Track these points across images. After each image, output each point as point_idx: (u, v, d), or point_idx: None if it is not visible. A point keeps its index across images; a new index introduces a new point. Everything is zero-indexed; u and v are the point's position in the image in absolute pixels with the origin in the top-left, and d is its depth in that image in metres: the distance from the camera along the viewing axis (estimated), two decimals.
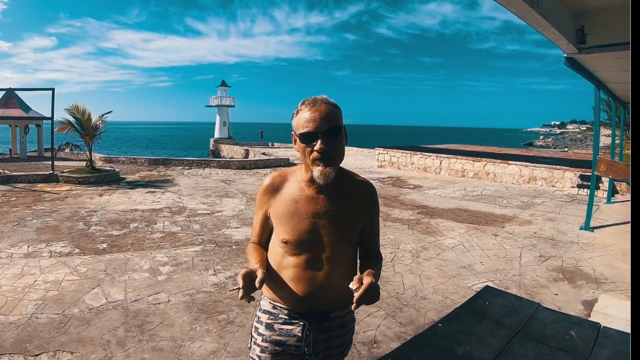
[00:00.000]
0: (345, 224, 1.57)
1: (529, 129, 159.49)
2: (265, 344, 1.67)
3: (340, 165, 1.57)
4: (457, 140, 40.47)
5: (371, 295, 1.34)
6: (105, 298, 4.12)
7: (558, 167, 11.77)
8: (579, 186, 10.80)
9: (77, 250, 5.60)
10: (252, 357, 1.73)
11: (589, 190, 10.28)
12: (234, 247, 5.86)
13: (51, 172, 12.35)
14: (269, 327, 1.68)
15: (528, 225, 7.35)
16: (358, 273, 1.58)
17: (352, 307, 1.33)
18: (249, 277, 1.45)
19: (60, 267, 4.96)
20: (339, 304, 1.66)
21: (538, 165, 12.12)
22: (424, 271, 5.05)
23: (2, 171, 12.23)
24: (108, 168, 13.39)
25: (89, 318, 3.71)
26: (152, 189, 10.78)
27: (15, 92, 21.18)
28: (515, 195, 10.28)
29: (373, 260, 1.67)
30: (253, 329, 1.75)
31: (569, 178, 11.39)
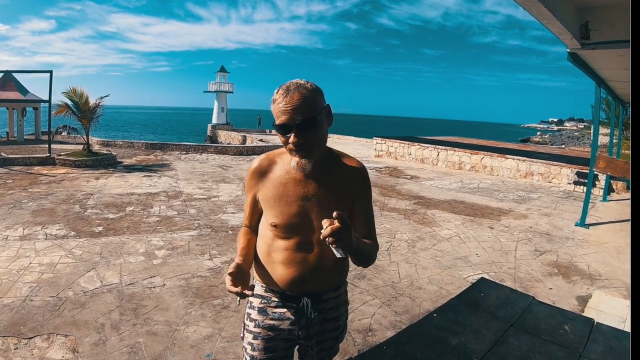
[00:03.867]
0: (334, 206, 1.42)
1: (526, 125, 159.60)
2: (257, 330, 1.65)
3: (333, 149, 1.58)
4: (454, 132, 40.50)
5: (343, 232, 1.25)
6: (100, 281, 4.11)
7: (555, 163, 11.77)
8: (576, 183, 10.81)
9: (72, 233, 5.58)
10: (244, 347, 1.70)
11: (585, 188, 10.33)
12: (229, 232, 5.85)
13: (48, 155, 12.29)
14: (261, 311, 1.65)
15: (524, 220, 7.36)
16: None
17: (321, 236, 1.26)
18: (237, 273, 1.43)
19: (55, 250, 4.94)
20: (331, 286, 1.65)
21: (535, 160, 12.11)
22: (419, 261, 5.06)
23: None
24: (105, 152, 13.32)
25: (83, 301, 3.70)
26: (149, 173, 10.74)
27: (13, 74, 21.01)
28: (511, 190, 10.29)
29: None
30: (245, 316, 1.72)
31: (565, 174, 11.40)
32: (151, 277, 4.22)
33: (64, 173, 10.49)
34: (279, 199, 1.54)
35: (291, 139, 1.41)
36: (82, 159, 11.70)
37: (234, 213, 6.91)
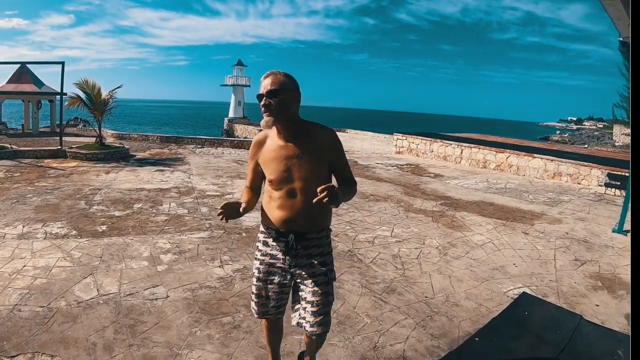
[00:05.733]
0: (310, 162, 2.06)
1: (545, 123, 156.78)
2: (262, 257, 2.26)
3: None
4: (473, 129, 39.20)
5: (331, 194, 1.79)
6: (97, 290, 3.67)
7: (585, 163, 11.02)
8: (607, 185, 10.10)
9: (74, 232, 5.17)
10: (253, 271, 2.31)
11: (617, 190, 9.64)
12: (243, 234, 5.36)
13: (59, 147, 11.99)
14: (264, 243, 2.27)
15: (558, 224, 6.75)
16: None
17: (314, 200, 1.80)
18: (234, 204, 2.09)
19: (53, 251, 4.52)
20: (314, 228, 2.18)
21: (564, 160, 11.36)
22: (453, 272, 4.52)
23: (9, 146, 11.88)
24: (117, 145, 12.97)
25: (76, 314, 3.25)
26: (161, 167, 10.35)
27: (28, 67, 20.92)
28: (540, 191, 9.64)
29: (346, 184, 2.17)
30: (255, 249, 2.35)
31: (595, 176, 10.67)
32: (153, 287, 3.75)
33: (74, 166, 10.15)
34: (271, 161, 2.12)
35: (262, 102, 2.02)
36: (94, 151, 11.37)
37: (249, 213, 6.41)
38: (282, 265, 2.20)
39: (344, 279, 4.06)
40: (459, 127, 72.18)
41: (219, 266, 4.27)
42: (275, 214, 2.14)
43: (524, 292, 4.16)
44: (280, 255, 2.19)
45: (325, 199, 1.77)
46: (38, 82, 21.26)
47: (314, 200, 1.79)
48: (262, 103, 2.02)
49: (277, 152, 2.09)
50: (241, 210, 2.07)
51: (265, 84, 2.03)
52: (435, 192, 8.71)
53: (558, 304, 3.95)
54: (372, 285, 4.02)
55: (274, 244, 2.21)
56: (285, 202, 2.10)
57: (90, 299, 3.52)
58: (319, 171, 2.09)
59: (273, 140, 2.13)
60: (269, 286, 2.25)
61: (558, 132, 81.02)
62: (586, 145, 39.43)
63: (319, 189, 1.79)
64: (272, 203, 2.15)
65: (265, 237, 2.26)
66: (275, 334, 2.53)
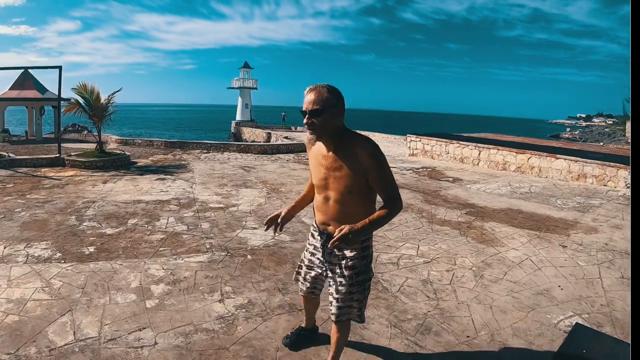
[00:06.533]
0: (346, 177, 2.16)
1: (553, 121, 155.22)
2: (309, 246, 2.60)
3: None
4: (481, 128, 38.01)
5: (345, 239, 2.00)
6: (74, 333, 3.06)
7: (611, 163, 10.24)
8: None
9: (58, 255, 4.57)
10: (303, 253, 2.68)
11: None
12: (249, 257, 4.69)
13: (57, 155, 11.48)
14: (312, 235, 2.57)
15: (595, 234, 6.06)
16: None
17: (329, 245, 2.05)
18: (275, 218, 2.53)
19: (31, 279, 3.93)
20: None
21: (589, 161, 10.59)
22: (494, 300, 3.86)
23: (6, 154, 11.39)
24: (118, 152, 12.43)
25: None
26: (163, 176, 9.76)
27: (31, 73, 20.70)
28: (567, 195, 8.93)
29: (385, 207, 2.15)
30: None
31: (622, 177, 9.90)
32: (140, 330, 3.11)
33: (70, 175, 9.61)
34: (314, 166, 2.31)
35: (304, 120, 2.13)
36: (93, 159, 10.82)
37: (255, 229, 5.76)
38: (319, 258, 2.49)
39: (369, 315, 3.38)
40: (467, 125, 71.24)
41: (219, 300, 3.61)
42: (316, 213, 2.43)
43: (577, 323, 3.51)
44: (319, 249, 2.48)
45: (335, 243, 1.99)
46: (41, 88, 20.94)
47: (329, 245, 2.04)
48: (305, 121, 2.11)
49: (319, 160, 2.24)
50: (283, 215, 2.51)
51: (308, 101, 2.09)
52: (458, 198, 8.03)
53: (616, 336, 3.33)
54: (402, 324, 3.35)
55: (317, 237, 2.49)
56: (322, 205, 2.32)
57: (65, 345, 2.91)
58: (354, 186, 2.16)
59: (320, 146, 2.24)
60: (308, 271, 2.60)
61: (568, 129, 79.79)
62: (601, 143, 38.42)
63: (336, 231, 2.05)
64: (315, 203, 2.41)
65: (313, 230, 2.56)
66: (309, 303, 2.89)
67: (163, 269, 4.22)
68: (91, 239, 5.15)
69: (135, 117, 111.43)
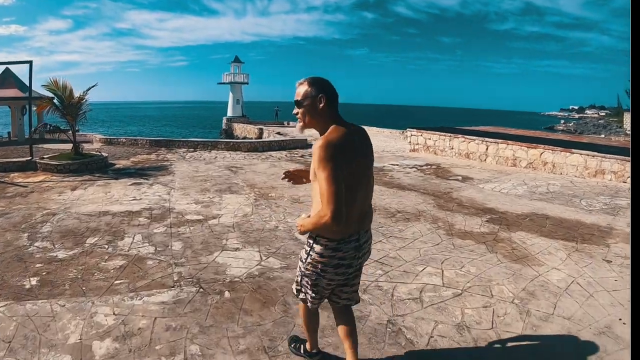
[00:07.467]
0: (311, 171, 2.14)
1: (546, 113, 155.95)
2: (328, 268, 2.29)
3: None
4: (475, 121, 36.86)
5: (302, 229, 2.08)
6: None
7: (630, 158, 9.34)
8: None
9: None
10: (318, 281, 2.35)
11: None
12: (226, 294, 3.64)
13: (29, 158, 10.46)
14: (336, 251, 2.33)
15: None
16: None
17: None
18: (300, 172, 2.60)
19: None
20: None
21: (607, 156, 9.66)
22: (553, 349, 2.92)
23: None
24: (95, 153, 11.41)
25: None
26: (140, 180, 8.77)
27: (11, 70, 19.90)
28: (588, 193, 8.02)
29: (316, 214, 2.06)
30: None
31: None
32: None
33: (39, 181, 8.62)
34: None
35: (293, 111, 2.18)
36: (66, 162, 9.83)
37: (237, 250, 4.70)
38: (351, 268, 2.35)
39: None
40: (460, 118, 70.38)
41: None
42: None
43: None
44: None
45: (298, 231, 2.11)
46: (23, 87, 19.95)
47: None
48: (293, 111, 2.18)
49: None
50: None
51: (296, 93, 2.14)
52: (473, 202, 7.08)
53: None
54: None
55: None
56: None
57: None
58: (316, 184, 2.03)
59: None
60: (328, 289, 2.44)
61: (562, 121, 79.42)
62: (602, 135, 37.69)
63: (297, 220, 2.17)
64: None
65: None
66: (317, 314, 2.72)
67: (114, 314, 3.20)
68: (37, 265, 4.17)
69: (127, 115, 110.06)
